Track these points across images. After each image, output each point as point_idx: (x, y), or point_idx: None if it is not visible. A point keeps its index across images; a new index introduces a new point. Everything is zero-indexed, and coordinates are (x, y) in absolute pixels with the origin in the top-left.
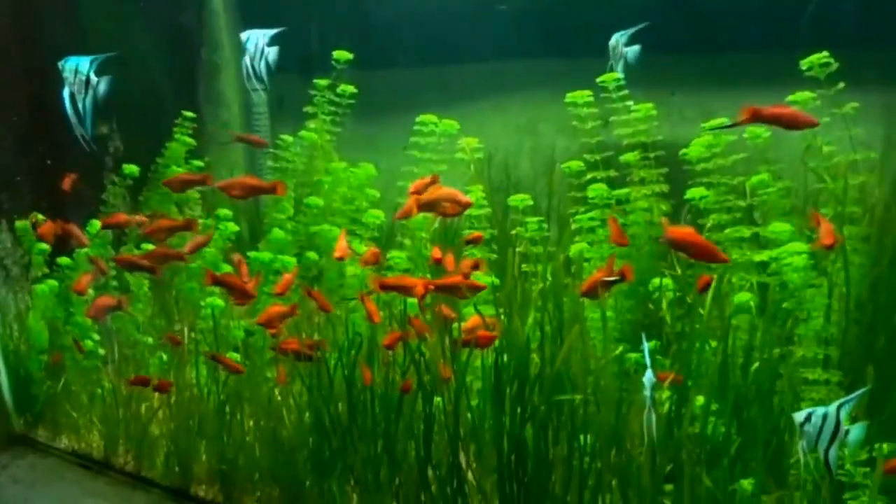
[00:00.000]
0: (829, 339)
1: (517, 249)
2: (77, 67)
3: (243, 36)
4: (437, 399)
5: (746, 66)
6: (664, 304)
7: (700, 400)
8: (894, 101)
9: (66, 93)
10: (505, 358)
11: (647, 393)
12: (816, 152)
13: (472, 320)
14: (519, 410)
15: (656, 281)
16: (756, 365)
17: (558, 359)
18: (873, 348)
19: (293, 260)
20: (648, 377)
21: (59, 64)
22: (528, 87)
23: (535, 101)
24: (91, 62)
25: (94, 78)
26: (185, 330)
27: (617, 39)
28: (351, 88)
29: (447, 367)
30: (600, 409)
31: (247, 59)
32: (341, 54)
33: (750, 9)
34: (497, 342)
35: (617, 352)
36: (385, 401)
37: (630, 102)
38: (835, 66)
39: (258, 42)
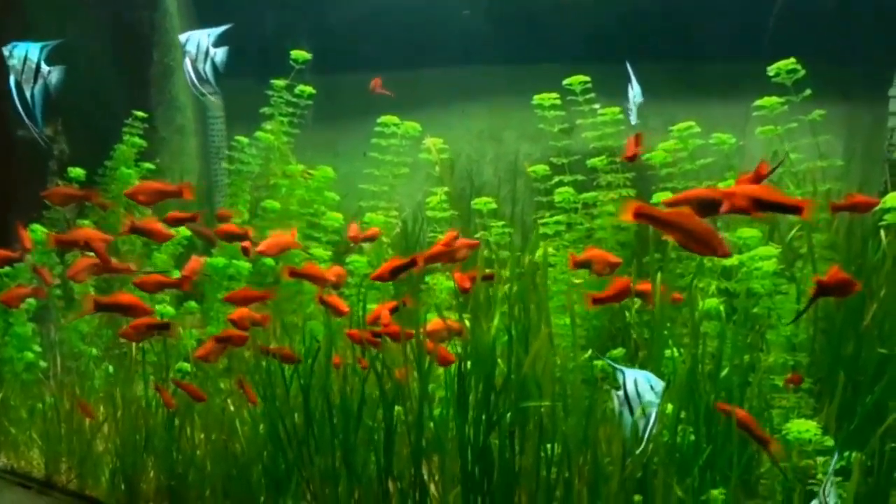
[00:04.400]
0: (798, 345)
1: (483, 253)
2: (26, 55)
3: (182, 38)
4: (398, 408)
5: (709, 76)
6: (632, 310)
7: (669, 408)
8: (855, 113)
9: (12, 82)
10: (469, 364)
11: (652, 399)
12: (782, 159)
13: (433, 323)
14: (484, 418)
15: None
16: (725, 371)
17: (526, 364)
18: (841, 356)
19: (248, 265)
20: (655, 382)
21: (5, 50)
22: (491, 93)
23: (497, 107)
24: (41, 49)
25: (45, 67)
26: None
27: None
28: (309, 89)
29: (407, 370)
30: (568, 416)
31: (187, 63)
32: (299, 54)
33: (712, 21)
34: (461, 347)
35: (585, 356)
36: (343, 410)
37: (597, 106)
38: (801, 72)
39: (200, 43)
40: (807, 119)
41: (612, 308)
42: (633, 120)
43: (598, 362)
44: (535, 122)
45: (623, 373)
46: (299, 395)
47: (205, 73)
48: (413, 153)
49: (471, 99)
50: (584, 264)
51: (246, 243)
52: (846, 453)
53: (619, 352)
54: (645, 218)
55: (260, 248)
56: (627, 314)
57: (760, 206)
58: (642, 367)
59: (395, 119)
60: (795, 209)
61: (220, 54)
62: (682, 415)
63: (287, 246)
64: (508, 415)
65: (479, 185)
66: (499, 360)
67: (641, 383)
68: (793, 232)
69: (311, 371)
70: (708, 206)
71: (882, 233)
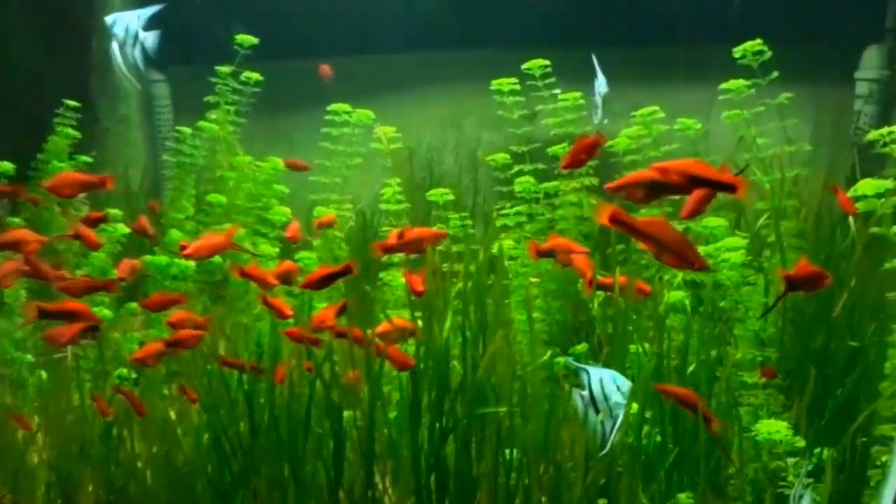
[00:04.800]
0: (767, 340)
1: (437, 248)
2: None
3: (108, 20)
4: (348, 413)
5: (673, 60)
6: (595, 304)
7: (634, 407)
8: (821, 96)
9: None
10: (423, 366)
11: (619, 400)
12: (749, 144)
13: (385, 324)
14: (438, 425)
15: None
16: (692, 367)
17: (481, 367)
18: (811, 349)
19: (191, 264)
20: (621, 382)
21: None
22: (451, 78)
23: (458, 93)
24: None
25: None
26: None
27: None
28: (256, 76)
29: (357, 373)
30: (528, 420)
31: (115, 49)
32: (245, 38)
33: (676, 3)
34: (414, 349)
35: (546, 356)
36: (290, 417)
37: (557, 91)
38: (768, 54)
39: (129, 26)
40: (774, 103)
41: (576, 301)
42: (597, 119)
43: (561, 359)
44: (496, 109)
45: (587, 372)
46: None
47: (134, 58)
48: (368, 142)
49: (431, 85)
50: (547, 254)
51: (183, 241)
52: (817, 450)
53: (582, 347)
54: (620, 225)
55: (187, 251)
56: (592, 307)
57: (694, 182)
58: (606, 364)
59: (345, 107)
60: (730, 187)
61: (150, 38)
62: (648, 414)
63: (220, 248)
64: (465, 420)
65: (440, 174)
66: (455, 363)
67: (608, 383)
68: (761, 220)
69: (256, 377)
70: (653, 188)
71: (850, 220)
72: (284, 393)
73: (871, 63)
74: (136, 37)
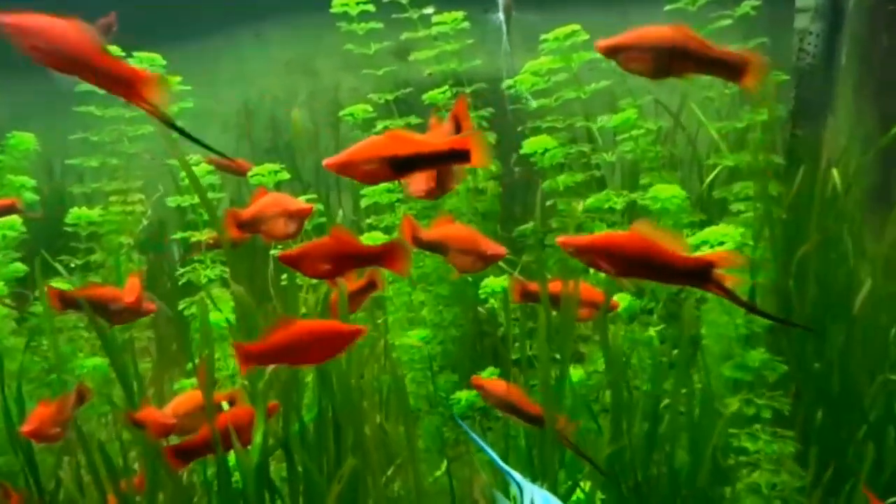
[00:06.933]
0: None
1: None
2: None
3: None
4: None
5: None
6: (502, 313)
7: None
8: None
9: None
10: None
11: None
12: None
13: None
14: None
15: (492, 281)
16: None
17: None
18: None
19: None
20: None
21: None
22: (293, 8)
23: (304, 27)
24: None
25: None
26: None
27: None
28: None
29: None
30: None
31: None
32: None
33: None
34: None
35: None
36: None
37: (429, 10)
38: None
39: None
40: (736, 14)
41: (475, 307)
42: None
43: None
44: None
45: (521, 488)
46: None
47: None
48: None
49: (265, 18)
50: (436, 248)
51: None
52: None
53: (489, 372)
54: None
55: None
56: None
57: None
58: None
59: (114, 50)
60: (460, 155)
61: None
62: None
63: None
64: None
65: (292, 135)
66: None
67: None
68: (709, 178)
69: None
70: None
71: (835, 174)
72: None
73: None
74: None
